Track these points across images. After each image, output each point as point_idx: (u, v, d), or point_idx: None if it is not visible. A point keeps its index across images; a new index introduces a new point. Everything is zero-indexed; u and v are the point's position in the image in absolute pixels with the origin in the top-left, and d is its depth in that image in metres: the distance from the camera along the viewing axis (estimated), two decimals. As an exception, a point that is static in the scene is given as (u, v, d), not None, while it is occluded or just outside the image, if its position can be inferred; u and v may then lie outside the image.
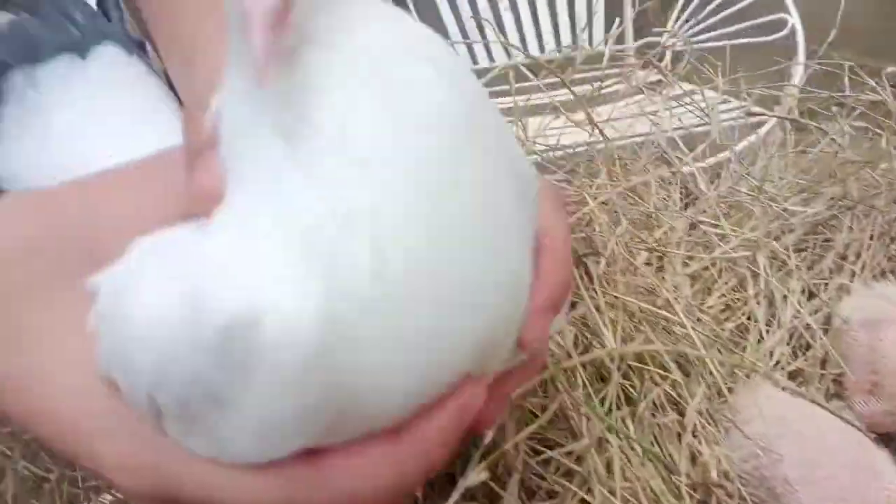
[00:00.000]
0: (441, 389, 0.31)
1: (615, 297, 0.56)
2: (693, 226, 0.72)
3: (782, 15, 1.90)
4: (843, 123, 0.73)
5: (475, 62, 2.02)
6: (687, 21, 2.12)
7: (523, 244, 0.33)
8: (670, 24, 2.15)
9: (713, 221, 0.70)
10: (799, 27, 1.86)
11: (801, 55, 1.82)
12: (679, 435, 0.57)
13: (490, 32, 1.97)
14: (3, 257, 0.34)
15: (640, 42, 2.19)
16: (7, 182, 0.42)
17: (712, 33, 2.02)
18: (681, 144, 0.76)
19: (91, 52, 0.45)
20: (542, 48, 2.17)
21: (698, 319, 0.62)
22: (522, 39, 2.13)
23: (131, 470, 0.32)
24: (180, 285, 0.29)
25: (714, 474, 0.50)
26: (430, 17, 2.04)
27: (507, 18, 2.14)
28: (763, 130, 1.19)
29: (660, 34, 2.29)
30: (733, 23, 2.02)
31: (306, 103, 0.29)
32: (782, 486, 0.50)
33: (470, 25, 2.07)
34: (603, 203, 0.70)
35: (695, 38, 2.10)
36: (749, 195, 0.72)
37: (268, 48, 0.26)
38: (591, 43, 2.16)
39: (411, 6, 2.00)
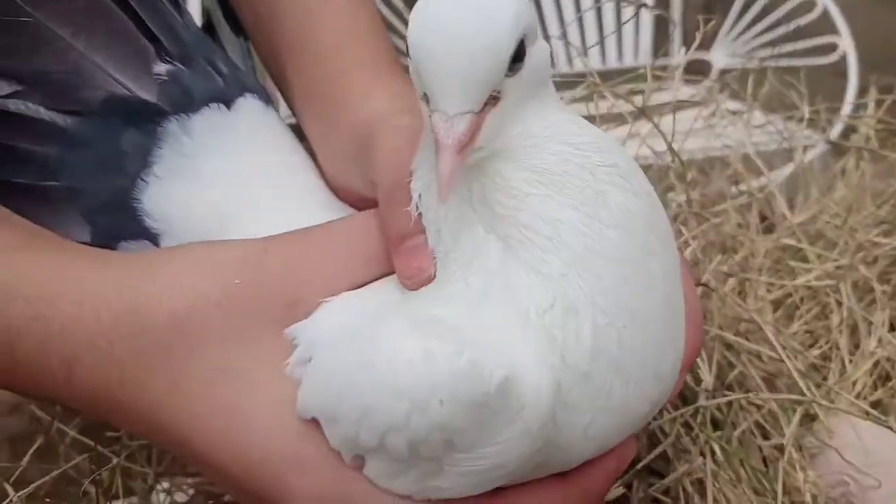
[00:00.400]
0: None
1: (715, 332, 0.57)
2: (771, 250, 0.72)
3: (832, 39, 1.90)
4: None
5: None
6: (736, 39, 2.12)
7: (683, 317, 0.39)
8: (718, 41, 2.15)
9: (797, 245, 0.70)
10: (851, 51, 1.86)
11: (852, 79, 1.83)
12: (764, 459, 0.58)
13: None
14: (207, 301, 0.37)
15: (687, 57, 2.19)
16: (159, 222, 0.45)
17: (761, 53, 2.02)
18: (761, 166, 0.77)
19: (235, 102, 0.48)
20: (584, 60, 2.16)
21: (783, 347, 0.62)
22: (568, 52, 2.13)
23: (317, 501, 0.36)
24: (444, 347, 0.33)
25: (808, 498, 0.51)
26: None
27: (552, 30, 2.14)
28: (810, 155, 1.19)
29: (705, 51, 2.29)
30: (780, 42, 2.02)
31: (514, 208, 0.35)
32: (872, 513, 0.51)
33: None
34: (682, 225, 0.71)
35: (741, 57, 2.10)
36: (829, 223, 0.73)
37: (451, 174, 0.32)
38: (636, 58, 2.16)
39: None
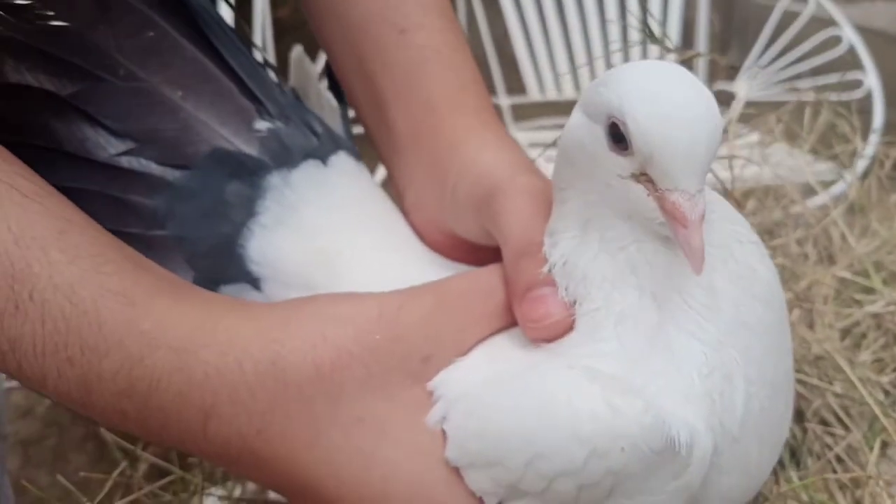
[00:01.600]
0: None
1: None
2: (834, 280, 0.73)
3: (858, 75, 1.92)
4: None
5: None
6: (761, 71, 2.14)
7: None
8: (741, 77, 2.16)
9: (858, 278, 0.71)
10: (877, 88, 1.88)
11: (878, 112, 1.84)
12: (841, 487, 0.58)
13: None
14: (350, 355, 0.39)
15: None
16: (262, 267, 0.48)
17: (786, 88, 2.04)
18: (825, 199, 0.77)
19: (330, 159, 0.51)
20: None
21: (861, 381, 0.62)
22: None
23: None
24: (629, 401, 0.36)
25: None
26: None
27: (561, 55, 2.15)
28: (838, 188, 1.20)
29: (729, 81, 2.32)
30: (805, 76, 2.04)
31: (675, 276, 0.38)
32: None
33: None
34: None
35: (765, 91, 2.12)
36: (890, 255, 0.74)
37: (702, 243, 0.34)
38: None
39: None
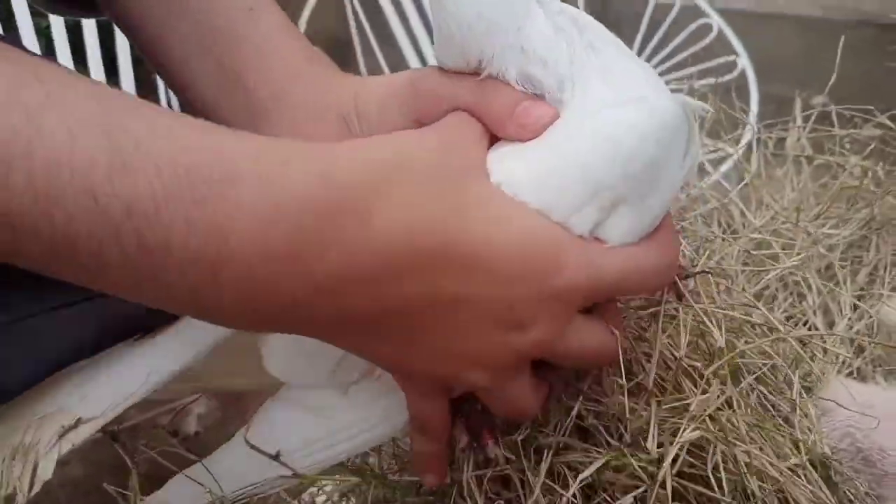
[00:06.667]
0: None
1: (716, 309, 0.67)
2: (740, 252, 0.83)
3: (731, 57, 2.06)
4: (855, 160, 0.87)
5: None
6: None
7: None
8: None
9: (758, 253, 0.81)
10: (749, 68, 2.02)
11: (753, 92, 1.99)
12: (776, 426, 0.67)
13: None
14: (424, 164, 0.44)
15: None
16: None
17: (667, 78, 2.17)
18: (724, 183, 0.88)
19: None
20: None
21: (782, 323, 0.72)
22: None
23: (580, 266, 0.45)
24: (640, 105, 0.45)
25: (827, 450, 0.61)
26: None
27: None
28: (726, 166, 1.33)
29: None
30: (685, 65, 2.17)
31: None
32: (878, 453, 0.61)
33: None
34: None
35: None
36: (787, 222, 0.85)
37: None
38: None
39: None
